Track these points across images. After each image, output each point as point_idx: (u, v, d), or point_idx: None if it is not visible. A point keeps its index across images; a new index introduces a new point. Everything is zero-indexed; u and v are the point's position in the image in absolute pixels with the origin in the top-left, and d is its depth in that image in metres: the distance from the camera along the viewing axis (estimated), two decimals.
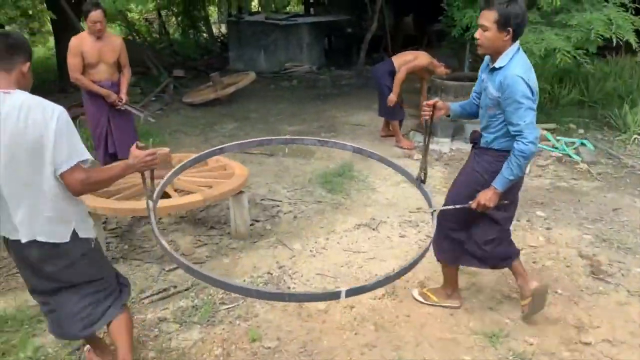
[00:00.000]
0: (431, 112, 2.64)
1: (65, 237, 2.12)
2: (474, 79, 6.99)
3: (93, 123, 4.89)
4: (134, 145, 2.21)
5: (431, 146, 5.98)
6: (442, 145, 6.13)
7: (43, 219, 2.07)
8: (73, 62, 4.57)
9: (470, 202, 2.64)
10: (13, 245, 2.15)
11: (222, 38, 15.20)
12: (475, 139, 2.77)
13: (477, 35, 2.49)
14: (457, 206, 2.69)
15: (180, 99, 8.79)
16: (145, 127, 6.63)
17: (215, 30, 15.88)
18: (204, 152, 2.87)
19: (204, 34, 14.88)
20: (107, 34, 4.74)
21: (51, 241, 2.10)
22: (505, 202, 2.64)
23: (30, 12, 6.40)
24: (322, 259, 3.75)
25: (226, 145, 2.88)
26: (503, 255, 2.88)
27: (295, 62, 11.82)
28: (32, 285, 2.30)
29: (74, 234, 2.15)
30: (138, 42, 12.62)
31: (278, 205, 4.74)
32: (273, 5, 16.14)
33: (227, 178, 4.15)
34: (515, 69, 2.42)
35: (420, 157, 2.76)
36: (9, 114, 1.94)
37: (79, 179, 2.01)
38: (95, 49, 4.62)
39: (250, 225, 4.23)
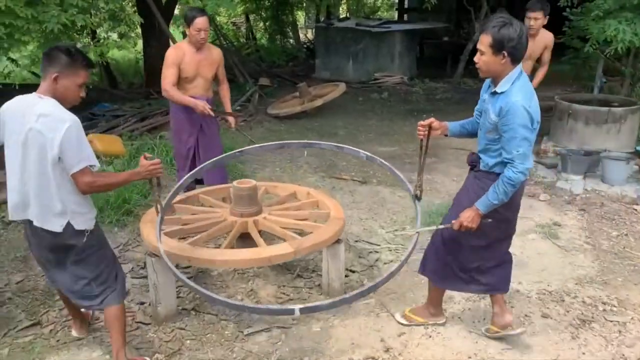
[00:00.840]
0: (426, 132, 2.67)
1: (58, 228, 2.42)
2: (606, 103, 5.91)
3: (179, 142, 4.37)
4: (142, 156, 2.58)
5: (562, 184, 5.09)
6: (574, 184, 5.08)
7: (43, 207, 2.39)
8: (168, 73, 4.05)
9: (453, 222, 2.66)
10: (25, 221, 2.49)
11: (308, 44, 14.72)
12: (473, 162, 2.73)
13: (475, 59, 2.49)
14: (440, 226, 2.78)
15: (264, 109, 8.28)
16: (228, 143, 6.11)
17: (301, 36, 15.45)
18: (219, 157, 3.40)
19: (291, 40, 14.46)
20: (207, 45, 4.20)
21: (45, 227, 2.42)
22: (489, 220, 2.60)
23: (119, 16, 6.08)
24: (441, 342, 2.93)
25: (246, 148, 3.41)
26: (492, 282, 2.86)
27: (385, 71, 11.03)
28: (35, 256, 2.70)
29: (68, 225, 2.43)
30: (225, 48, 12.38)
31: (376, 251, 3.99)
32: (363, 11, 15.44)
33: (321, 219, 3.46)
34: (517, 95, 2.40)
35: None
36: (31, 115, 2.29)
37: (86, 181, 2.34)
38: (194, 62, 4.11)
39: (345, 276, 3.51)
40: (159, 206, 2.77)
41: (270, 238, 3.55)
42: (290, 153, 6.28)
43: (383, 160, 3.07)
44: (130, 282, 3.61)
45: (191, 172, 3.43)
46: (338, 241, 3.23)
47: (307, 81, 9.52)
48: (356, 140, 6.95)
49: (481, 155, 2.65)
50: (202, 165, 3.52)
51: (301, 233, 3.38)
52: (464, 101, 8.90)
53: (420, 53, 13.05)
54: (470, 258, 2.79)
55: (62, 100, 2.36)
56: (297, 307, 2.13)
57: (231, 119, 4.32)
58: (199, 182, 4.40)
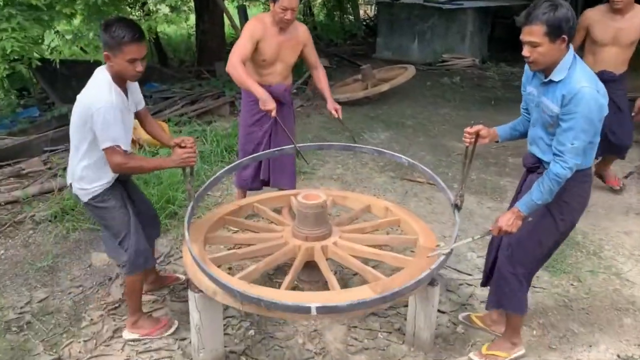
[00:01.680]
0: (473, 140, 2.46)
1: (84, 199, 2.57)
2: None
3: (246, 136, 3.71)
4: (176, 144, 2.54)
5: None
6: None
7: (77, 176, 2.53)
8: (241, 46, 3.28)
9: (490, 228, 2.39)
10: None
11: (368, 21, 13.77)
12: (534, 163, 2.42)
13: (526, 53, 2.20)
14: (476, 237, 2.53)
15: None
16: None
17: (361, 12, 14.49)
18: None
19: (350, 17, 13.53)
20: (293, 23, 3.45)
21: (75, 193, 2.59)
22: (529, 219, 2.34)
23: None
24: None
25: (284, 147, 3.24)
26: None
27: (454, 53, 10.01)
28: None
29: (92, 198, 2.54)
30: None
31: (468, 283, 3.22)
32: None
33: (405, 244, 2.73)
34: (581, 81, 2.14)
35: None
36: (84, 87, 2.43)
37: (116, 161, 2.37)
38: (276, 43, 3.39)
39: None
40: (190, 196, 2.63)
41: (335, 263, 2.85)
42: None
43: (425, 167, 3.00)
44: (170, 307, 3.01)
45: (228, 167, 2.98)
46: (433, 282, 2.48)
47: (367, 62, 8.69)
48: (428, 132, 6.12)
49: (542, 155, 2.36)
50: (244, 159, 3.20)
51: (377, 265, 2.65)
52: None
53: (491, 33, 11.87)
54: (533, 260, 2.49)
55: (119, 77, 2.40)
56: (313, 305, 2.05)
57: (333, 110, 3.58)
58: (264, 184, 3.78)
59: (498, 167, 5.05)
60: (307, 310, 2.04)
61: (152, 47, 9.13)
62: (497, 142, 2.61)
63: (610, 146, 3.95)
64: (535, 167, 2.40)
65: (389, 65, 8.60)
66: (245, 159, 3.23)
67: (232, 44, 3.84)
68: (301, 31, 3.50)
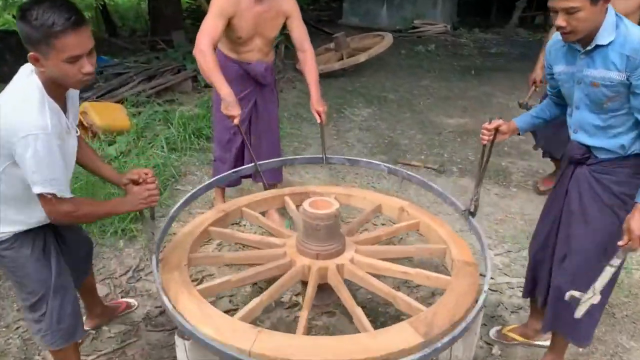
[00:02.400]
0: (492, 137, 2.22)
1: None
2: None
3: (221, 123, 3.12)
4: (131, 173, 1.95)
5: None
6: None
7: None
8: (212, 26, 2.68)
9: (621, 244, 1.78)
10: None
11: None
12: (583, 155, 2.00)
13: (561, 22, 1.81)
14: (611, 268, 1.80)
15: (293, 64, 6.91)
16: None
17: None
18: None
19: None
20: None
21: None
22: None
23: None
24: None
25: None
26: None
27: (425, 19, 9.54)
28: None
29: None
30: None
31: (492, 289, 2.81)
32: None
33: (433, 256, 2.28)
34: (636, 32, 1.80)
35: None
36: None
37: (57, 211, 1.70)
38: (252, 16, 2.79)
39: None
40: (152, 248, 2.01)
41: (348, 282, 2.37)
42: (337, 128, 5.00)
43: (411, 173, 2.67)
44: (145, 339, 2.47)
45: (205, 184, 2.32)
46: (478, 312, 2.03)
47: (334, 29, 8.10)
48: (413, 107, 5.66)
49: (591, 141, 1.97)
50: (221, 175, 2.69)
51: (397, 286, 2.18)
52: (525, 57, 7.52)
53: None
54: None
55: (56, 86, 1.65)
56: None
57: (316, 113, 2.99)
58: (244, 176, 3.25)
59: (495, 145, 4.64)
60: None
61: (98, 16, 8.18)
62: (519, 134, 2.32)
63: None
64: (585, 158, 2.01)
65: (358, 33, 8.03)
66: (224, 174, 2.69)
67: (190, 11, 3.20)
68: (287, 3, 2.90)
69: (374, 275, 2.16)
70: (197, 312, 1.83)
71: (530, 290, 2.36)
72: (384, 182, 3.95)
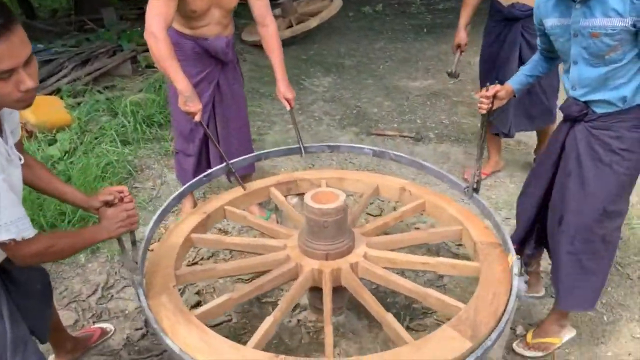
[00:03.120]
0: (490, 105, 2.10)
1: None
2: None
3: (178, 110, 2.72)
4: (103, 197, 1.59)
5: None
6: None
7: None
8: (163, 4, 2.27)
9: None
10: None
11: None
12: (580, 112, 1.89)
13: None
14: None
15: (238, 34, 6.42)
16: None
17: None
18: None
19: None
20: None
21: None
22: None
23: None
24: None
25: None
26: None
27: None
28: None
29: None
30: None
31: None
32: None
33: (449, 239, 2.06)
34: None
35: None
36: None
37: (29, 253, 1.36)
38: None
39: None
40: (137, 280, 1.67)
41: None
42: (299, 101, 4.66)
43: (399, 153, 2.42)
44: None
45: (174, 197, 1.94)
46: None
47: None
48: (373, 72, 5.38)
49: (594, 95, 1.86)
50: (187, 186, 2.26)
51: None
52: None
53: None
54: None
55: None
56: None
57: (284, 100, 2.63)
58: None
59: (467, 105, 4.48)
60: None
61: None
62: (514, 96, 2.20)
63: None
64: (583, 114, 1.91)
65: None
66: (194, 181, 2.32)
67: None
68: None
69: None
70: (202, 346, 1.52)
71: (518, 244, 2.25)
72: (362, 157, 3.69)
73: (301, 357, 2.12)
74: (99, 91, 4.47)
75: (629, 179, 1.90)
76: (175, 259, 1.91)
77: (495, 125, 3.16)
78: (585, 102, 1.88)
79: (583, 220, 1.94)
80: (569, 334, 2.19)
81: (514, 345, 2.18)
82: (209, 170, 2.36)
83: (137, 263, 1.70)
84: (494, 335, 1.53)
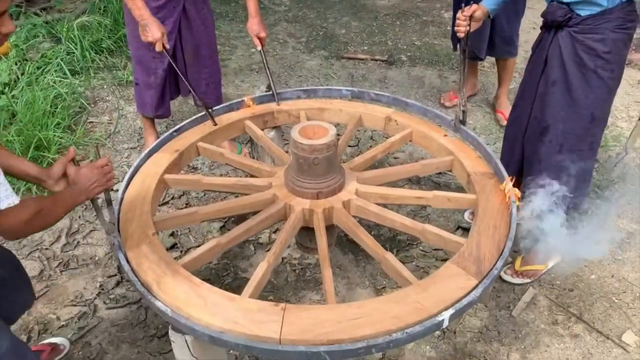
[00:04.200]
0: (468, 27, 1.97)
1: None
2: None
3: (137, 42, 2.40)
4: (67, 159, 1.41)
5: None
6: None
7: None
8: None
9: None
10: None
11: None
12: (564, 16, 1.84)
13: None
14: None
15: None
16: None
17: None
18: None
19: None
20: None
21: None
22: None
23: None
24: None
25: None
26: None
27: None
28: None
29: None
30: None
31: None
32: None
33: (441, 170, 1.98)
34: None
35: None
36: None
37: (19, 220, 1.19)
38: None
39: None
40: (115, 241, 1.51)
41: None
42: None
43: (380, 92, 2.28)
44: (109, 320, 2.01)
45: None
46: None
47: None
48: None
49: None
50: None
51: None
52: None
53: None
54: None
55: None
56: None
57: (256, 38, 2.35)
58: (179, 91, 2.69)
59: (437, 25, 4.28)
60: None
61: None
62: (489, 17, 2.09)
63: None
64: (567, 19, 1.85)
65: None
66: (161, 138, 2.07)
67: None
68: None
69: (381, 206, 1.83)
70: (196, 301, 1.40)
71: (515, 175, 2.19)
72: (333, 82, 3.50)
73: (291, 299, 2.06)
74: (35, 13, 3.98)
75: (613, 83, 1.90)
76: (150, 203, 1.74)
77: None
78: (569, 5, 1.83)
79: (572, 127, 1.93)
80: (554, 260, 2.20)
81: (502, 273, 2.18)
82: (179, 125, 2.11)
83: (114, 224, 1.53)
84: (499, 264, 1.49)
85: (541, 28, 2.00)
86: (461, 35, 2.00)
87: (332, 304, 1.46)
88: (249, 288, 1.47)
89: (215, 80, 2.64)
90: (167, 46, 2.17)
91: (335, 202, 1.77)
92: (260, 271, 1.53)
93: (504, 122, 2.95)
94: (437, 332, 1.95)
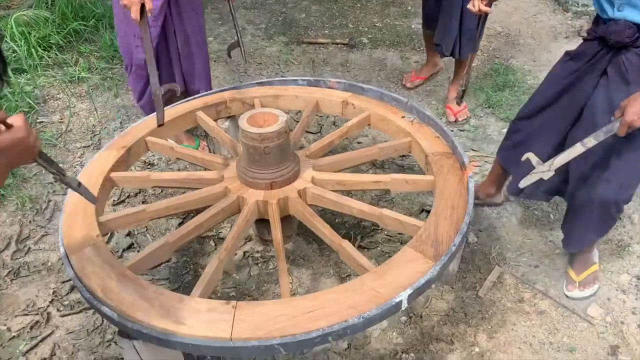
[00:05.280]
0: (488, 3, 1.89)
1: None
2: None
3: (125, 22, 2.25)
4: None
5: None
6: None
7: None
8: None
9: (615, 124, 1.51)
10: None
11: None
12: (632, 36, 1.58)
13: None
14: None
15: None
16: None
17: None
18: None
19: None
20: None
21: None
22: None
23: None
24: None
25: None
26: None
27: None
28: None
29: None
30: None
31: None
32: None
33: (399, 153, 1.94)
34: None
35: None
36: None
37: None
38: None
39: None
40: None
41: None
42: (217, 9, 4.20)
43: (337, 80, 2.22)
44: (64, 327, 1.92)
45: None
46: None
47: None
48: None
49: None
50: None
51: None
52: None
53: None
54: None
55: None
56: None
57: None
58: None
59: (397, 6, 4.21)
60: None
61: None
62: None
63: None
64: (635, 39, 1.59)
65: None
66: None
67: None
68: None
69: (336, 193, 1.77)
70: (142, 304, 1.33)
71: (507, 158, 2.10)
72: (294, 70, 3.42)
73: (253, 293, 2.00)
74: None
75: None
76: (98, 200, 1.65)
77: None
78: (637, 25, 1.58)
79: (633, 165, 1.68)
80: (595, 253, 2.07)
81: (568, 294, 1.97)
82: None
83: (65, 176, 1.25)
84: (451, 252, 1.45)
85: (586, 40, 1.76)
86: (476, 11, 1.90)
87: (287, 297, 1.41)
88: (198, 288, 1.41)
89: (206, 70, 2.50)
90: (151, 10, 1.94)
91: (290, 192, 1.70)
92: (209, 269, 1.47)
93: (452, 118, 2.87)
94: (404, 318, 1.92)
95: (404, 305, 1.33)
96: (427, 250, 1.46)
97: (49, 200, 2.46)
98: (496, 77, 3.23)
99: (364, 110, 2.08)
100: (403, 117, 2.01)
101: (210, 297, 1.43)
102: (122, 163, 1.88)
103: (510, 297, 2.00)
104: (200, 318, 1.29)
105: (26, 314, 1.97)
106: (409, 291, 1.33)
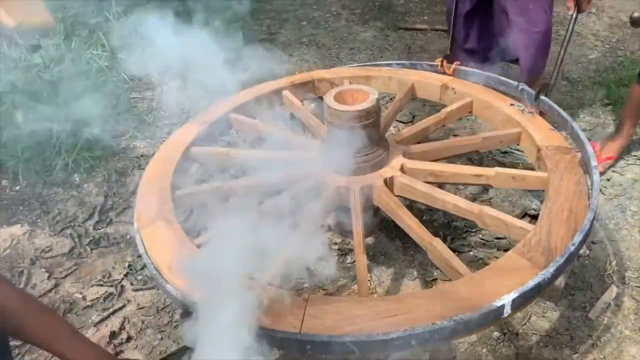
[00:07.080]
0: None
1: None
2: None
3: None
4: None
5: None
6: None
7: None
8: None
9: None
10: None
11: None
12: None
13: None
14: None
15: None
16: None
17: None
18: None
19: None
20: None
21: None
22: None
23: None
24: None
25: None
26: None
27: None
28: None
29: None
30: None
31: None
32: None
33: (506, 144, 1.70)
34: None
35: None
36: None
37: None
38: None
39: None
40: None
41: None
42: None
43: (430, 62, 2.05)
44: (135, 302, 1.89)
45: None
46: None
47: None
48: None
49: None
50: None
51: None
52: None
53: None
54: None
55: None
56: None
57: None
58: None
59: None
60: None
61: None
62: None
63: None
64: None
65: None
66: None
67: None
68: None
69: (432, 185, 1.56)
70: None
71: None
72: (388, 55, 3.22)
73: (328, 285, 1.85)
74: None
75: None
76: (172, 177, 1.58)
77: None
78: None
79: None
80: None
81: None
82: None
83: None
84: (577, 239, 1.20)
85: None
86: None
87: (365, 296, 1.23)
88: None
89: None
90: None
91: (375, 179, 1.52)
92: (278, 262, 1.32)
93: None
94: (496, 333, 1.67)
95: (507, 311, 1.11)
96: (536, 258, 1.22)
97: (134, 174, 2.46)
98: (620, 70, 2.83)
99: (466, 96, 1.85)
100: (512, 104, 1.76)
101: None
102: (202, 138, 1.80)
103: (629, 323, 1.68)
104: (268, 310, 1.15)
105: (101, 285, 1.96)
106: (513, 295, 1.10)
